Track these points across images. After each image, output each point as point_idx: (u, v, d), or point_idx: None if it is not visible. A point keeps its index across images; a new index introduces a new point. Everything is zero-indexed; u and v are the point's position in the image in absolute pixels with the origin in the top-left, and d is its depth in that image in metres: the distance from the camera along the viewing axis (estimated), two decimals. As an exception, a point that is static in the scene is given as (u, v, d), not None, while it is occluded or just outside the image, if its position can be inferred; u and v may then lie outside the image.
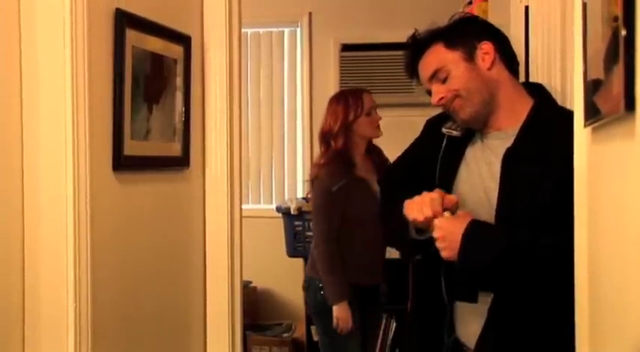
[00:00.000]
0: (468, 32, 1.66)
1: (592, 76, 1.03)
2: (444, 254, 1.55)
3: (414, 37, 1.71)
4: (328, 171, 2.93)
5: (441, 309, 1.71)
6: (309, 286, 3.03)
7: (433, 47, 1.66)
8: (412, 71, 1.71)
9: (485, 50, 1.62)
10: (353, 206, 2.90)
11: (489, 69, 1.62)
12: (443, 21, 1.72)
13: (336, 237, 2.90)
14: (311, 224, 3.51)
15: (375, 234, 2.86)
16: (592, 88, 1.02)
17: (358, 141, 2.99)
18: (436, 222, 1.56)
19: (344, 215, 2.91)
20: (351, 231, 2.91)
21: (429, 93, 1.68)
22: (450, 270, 1.63)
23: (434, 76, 1.65)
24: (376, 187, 2.83)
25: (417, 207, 1.58)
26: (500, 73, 1.64)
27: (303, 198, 4.04)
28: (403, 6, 4.49)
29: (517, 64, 1.70)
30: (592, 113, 1.03)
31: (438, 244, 1.56)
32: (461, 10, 1.73)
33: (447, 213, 1.56)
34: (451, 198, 1.59)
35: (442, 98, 1.64)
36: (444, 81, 1.63)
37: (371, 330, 3.17)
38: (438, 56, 1.65)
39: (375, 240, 2.89)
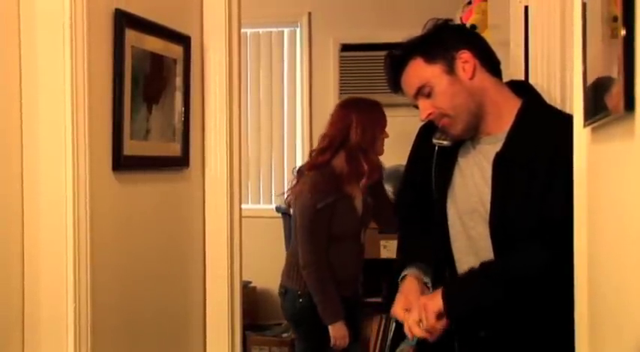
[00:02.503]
0: (445, 42, 1.64)
1: (592, 76, 1.03)
2: (438, 332, 1.55)
3: (391, 55, 1.68)
4: (314, 187, 2.74)
5: None
6: (285, 293, 2.90)
7: (412, 62, 1.63)
8: (395, 88, 1.69)
9: (465, 59, 1.60)
10: (337, 223, 2.77)
11: (471, 78, 1.60)
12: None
13: (324, 256, 2.75)
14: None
15: (355, 247, 2.91)
16: (592, 88, 1.03)
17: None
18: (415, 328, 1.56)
19: (328, 230, 2.77)
20: (333, 245, 2.79)
21: (416, 107, 1.66)
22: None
23: (419, 92, 1.63)
24: (358, 203, 2.86)
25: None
26: (483, 79, 1.62)
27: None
28: (403, 6, 4.49)
29: (498, 62, 1.68)
30: (592, 113, 1.03)
31: (425, 332, 1.55)
32: (439, 18, 1.71)
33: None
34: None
35: (430, 114, 1.63)
36: (429, 95, 1.62)
37: (361, 329, 3.11)
38: (419, 72, 1.63)
39: (354, 253, 2.90)
